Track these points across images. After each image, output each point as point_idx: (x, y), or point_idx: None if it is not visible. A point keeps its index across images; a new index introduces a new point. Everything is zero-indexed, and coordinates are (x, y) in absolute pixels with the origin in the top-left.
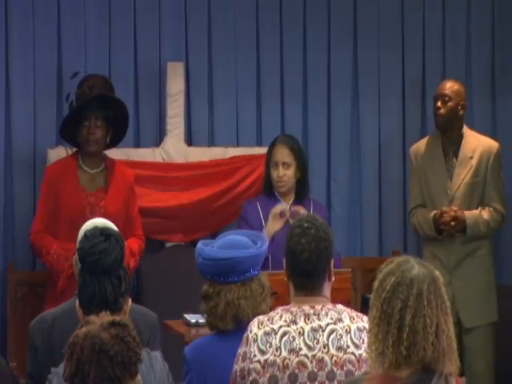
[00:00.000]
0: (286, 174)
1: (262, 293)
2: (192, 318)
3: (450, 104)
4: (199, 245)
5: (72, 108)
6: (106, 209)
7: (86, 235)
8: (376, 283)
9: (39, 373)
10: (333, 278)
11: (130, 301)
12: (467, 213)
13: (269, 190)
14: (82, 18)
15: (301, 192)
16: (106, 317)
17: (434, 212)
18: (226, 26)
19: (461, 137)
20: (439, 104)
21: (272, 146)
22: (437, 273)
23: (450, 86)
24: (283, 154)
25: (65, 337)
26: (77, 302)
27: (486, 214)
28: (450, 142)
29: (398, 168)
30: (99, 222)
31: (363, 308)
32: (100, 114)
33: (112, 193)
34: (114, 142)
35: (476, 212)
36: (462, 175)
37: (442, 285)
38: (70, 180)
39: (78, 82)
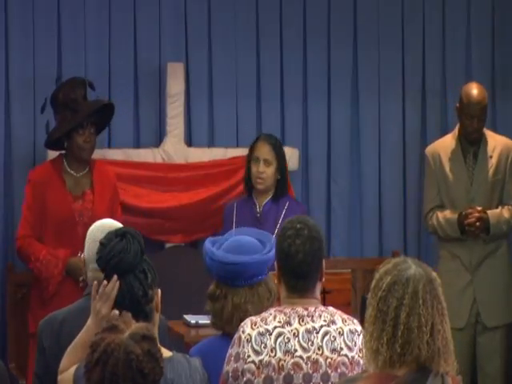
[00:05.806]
0: (265, 172)
1: (269, 297)
2: (192, 318)
3: (482, 118)
4: (207, 243)
5: (73, 120)
6: (93, 212)
7: (102, 243)
8: (373, 282)
9: (47, 373)
10: (323, 279)
11: (159, 291)
12: (489, 212)
13: (248, 187)
14: (82, 17)
15: (279, 193)
16: (129, 321)
17: (459, 213)
18: (225, 26)
19: (481, 137)
20: (475, 125)
21: (254, 142)
22: (434, 274)
23: (480, 101)
24: (265, 150)
25: (74, 337)
26: None
27: (506, 212)
28: (470, 142)
29: (398, 168)
30: (106, 223)
31: (363, 308)
32: (93, 121)
33: (98, 195)
34: None
35: (497, 211)
36: (483, 175)
37: (438, 286)
38: (56, 184)
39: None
